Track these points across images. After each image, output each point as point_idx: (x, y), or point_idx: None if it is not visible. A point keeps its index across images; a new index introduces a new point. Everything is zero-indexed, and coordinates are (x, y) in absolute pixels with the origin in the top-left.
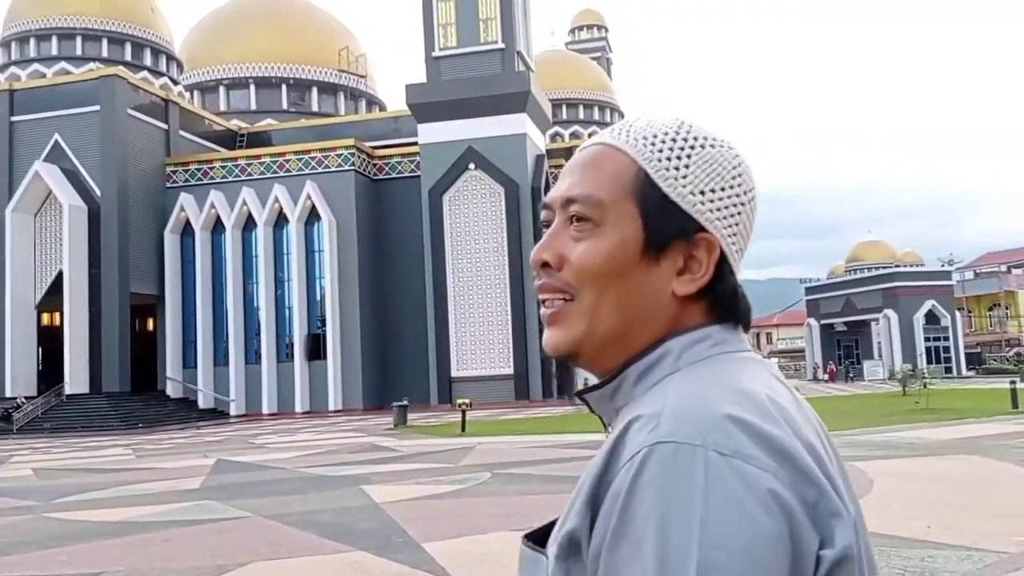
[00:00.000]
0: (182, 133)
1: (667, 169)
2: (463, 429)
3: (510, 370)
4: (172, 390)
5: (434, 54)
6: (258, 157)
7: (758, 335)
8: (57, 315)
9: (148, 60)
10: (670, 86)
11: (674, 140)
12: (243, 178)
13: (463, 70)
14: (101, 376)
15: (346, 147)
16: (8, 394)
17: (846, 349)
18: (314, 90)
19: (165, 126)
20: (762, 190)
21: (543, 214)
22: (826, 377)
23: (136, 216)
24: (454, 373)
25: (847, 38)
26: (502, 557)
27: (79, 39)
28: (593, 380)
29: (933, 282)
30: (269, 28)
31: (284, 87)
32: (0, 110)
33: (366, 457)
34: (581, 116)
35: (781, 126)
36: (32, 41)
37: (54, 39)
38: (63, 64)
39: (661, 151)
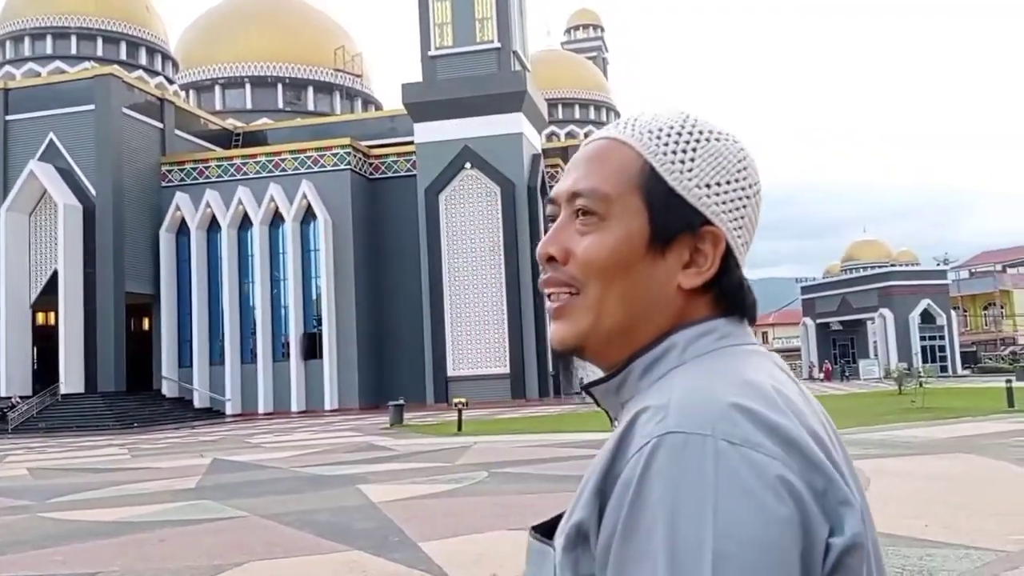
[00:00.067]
0: (178, 132)
1: (672, 163)
2: (459, 428)
3: (506, 369)
4: (168, 389)
5: (430, 53)
6: (254, 156)
7: (753, 334)
8: (52, 314)
9: (143, 59)
10: (666, 86)
11: (679, 134)
12: (239, 177)
13: (459, 69)
14: (96, 375)
15: (342, 146)
16: (3, 394)
17: (842, 348)
18: (310, 89)
19: (160, 125)
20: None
21: (549, 208)
22: (822, 376)
23: (131, 215)
24: (450, 372)
25: (844, 38)
26: (499, 556)
27: (74, 38)
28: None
29: (928, 281)
30: (265, 27)
31: (280, 86)
32: None
33: (362, 456)
34: (577, 116)
35: (777, 126)
36: (27, 40)
37: (49, 38)
38: (58, 63)
39: (667, 145)
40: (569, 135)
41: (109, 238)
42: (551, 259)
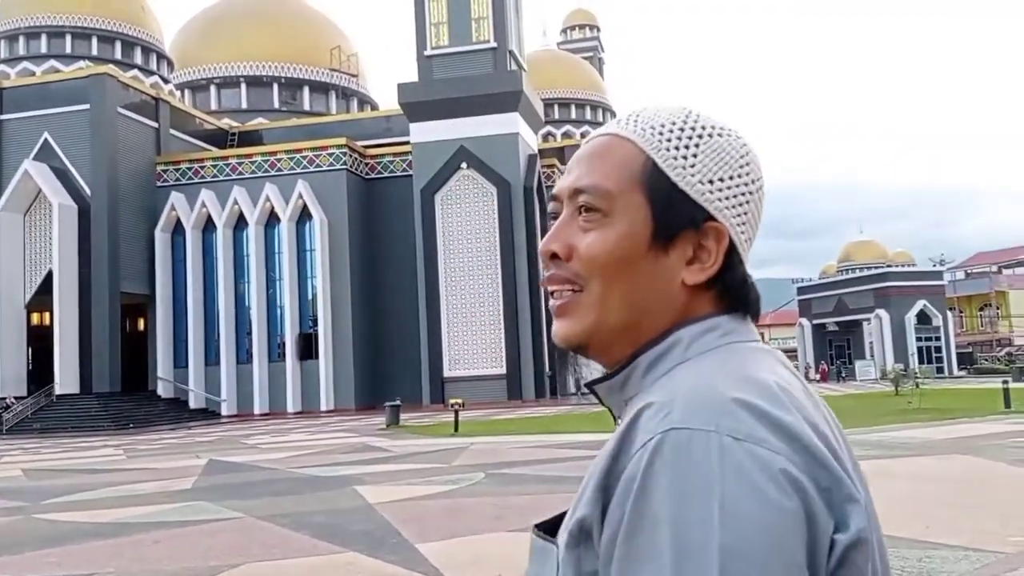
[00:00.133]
0: (173, 132)
1: (675, 158)
2: (456, 429)
3: (503, 370)
4: (163, 390)
5: (426, 53)
6: (249, 156)
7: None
8: (47, 315)
9: (138, 58)
10: (662, 85)
11: (682, 129)
12: (234, 177)
13: (455, 69)
14: (91, 376)
15: (338, 146)
16: None
17: (838, 349)
18: (305, 89)
19: (156, 125)
20: None
21: (551, 205)
22: (817, 377)
23: (126, 215)
24: (446, 373)
25: (839, 36)
26: (496, 557)
27: (68, 37)
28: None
29: (925, 282)
30: (260, 27)
31: (275, 86)
32: None
33: (359, 457)
34: (573, 116)
35: (774, 124)
36: (21, 39)
37: (43, 37)
38: (52, 62)
39: (669, 140)
40: (565, 135)
41: (104, 238)
42: (554, 256)
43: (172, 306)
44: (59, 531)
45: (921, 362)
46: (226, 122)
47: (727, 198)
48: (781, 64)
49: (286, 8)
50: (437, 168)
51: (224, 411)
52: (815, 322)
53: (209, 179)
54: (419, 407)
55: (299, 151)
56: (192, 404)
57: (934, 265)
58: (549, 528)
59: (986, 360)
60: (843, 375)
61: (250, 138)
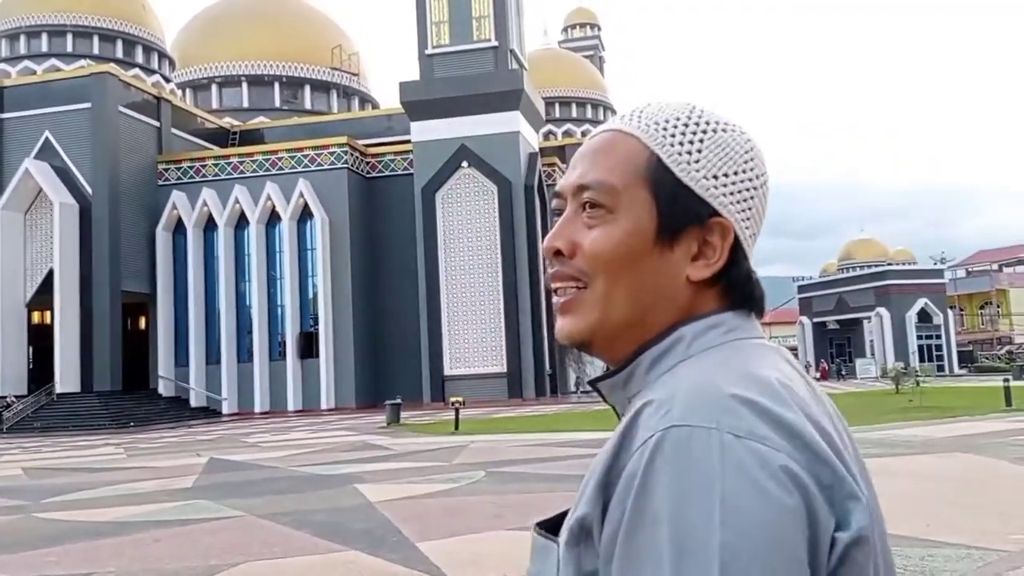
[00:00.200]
0: (174, 131)
1: (680, 154)
2: (456, 427)
3: (503, 368)
4: (164, 389)
5: (427, 52)
6: (250, 155)
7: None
8: (48, 313)
9: (140, 57)
10: (663, 84)
11: (686, 125)
12: (235, 176)
13: (456, 68)
14: (92, 375)
15: (339, 145)
16: None
17: (838, 347)
18: (307, 88)
19: (157, 123)
20: None
21: (554, 202)
22: (817, 375)
23: (128, 214)
24: (447, 371)
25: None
26: (497, 556)
27: (70, 36)
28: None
29: (925, 280)
30: (261, 26)
31: (277, 85)
32: None
33: (359, 456)
34: (574, 114)
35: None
36: (22, 38)
37: (44, 36)
38: (53, 61)
39: (673, 136)
40: (566, 134)
41: (105, 237)
42: (558, 253)
43: (173, 305)
44: (59, 530)
45: (922, 360)
46: (227, 121)
47: (732, 193)
48: (782, 63)
49: (287, 7)
50: (438, 167)
51: (225, 410)
52: (816, 320)
53: (210, 178)
54: (419, 405)
55: (300, 150)
56: (193, 403)
57: (935, 263)
58: (550, 527)
59: (986, 358)
60: (843, 373)
61: (251, 137)
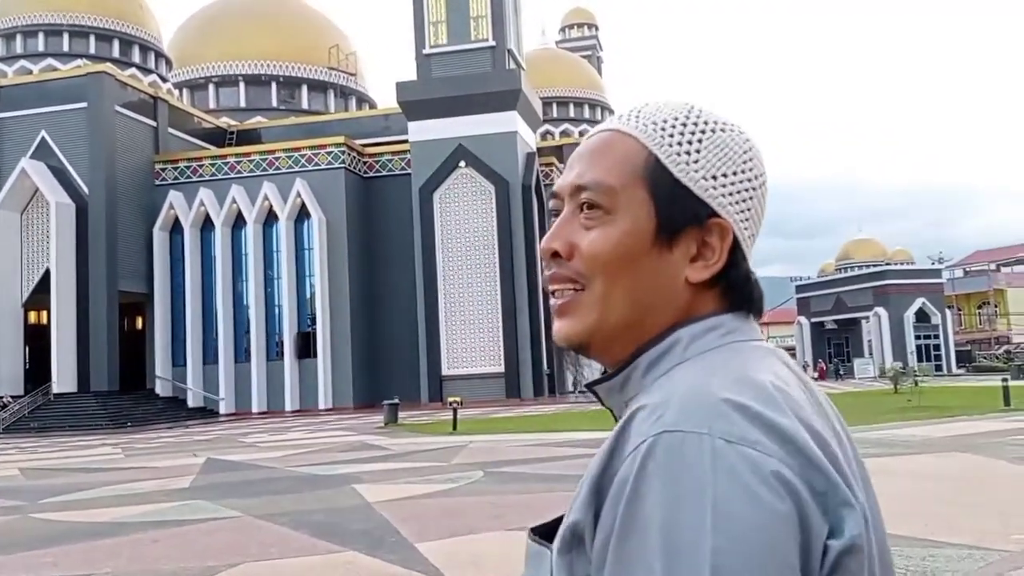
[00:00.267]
0: (171, 130)
1: (678, 154)
2: (454, 427)
3: (501, 368)
4: (161, 389)
5: (425, 51)
6: (247, 155)
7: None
8: (44, 313)
9: (136, 57)
10: (661, 84)
11: (684, 125)
12: (232, 176)
13: (454, 67)
14: (89, 375)
15: (336, 145)
16: None
17: (836, 347)
18: (304, 88)
19: (154, 123)
20: None
21: (552, 203)
22: (815, 375)
23: (124, 214)
24: (445, 371)
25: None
26: (495, 556)
27: (66, 35)
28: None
29: (923, 280)
30: (259, 26)
31: (274, 85)
32: None
33: (357, 456)
34: (572, 114)
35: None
36: (19, 37)
37: (41, 35)
38: (50, 60)
39: (672, 136)
40: (564, 134)
41: (102, 236)
42: (555, 255)
43: (170, 305)
44: (56, 530)
45: (920, 360)
46: (224, 121)
47: (730, 194)
48: (780, 63)
49: (284, 7)
50: (435, 166)
51: (222, 410)
52: (814, 320)
53: (207, 178)
54: (417, 405)
55: (297, 150)
56: (190, 403)
57: (933, 263)
58: (545, 532)
59: (985, 358)
60: (841, 373)
61: (248, 137)
